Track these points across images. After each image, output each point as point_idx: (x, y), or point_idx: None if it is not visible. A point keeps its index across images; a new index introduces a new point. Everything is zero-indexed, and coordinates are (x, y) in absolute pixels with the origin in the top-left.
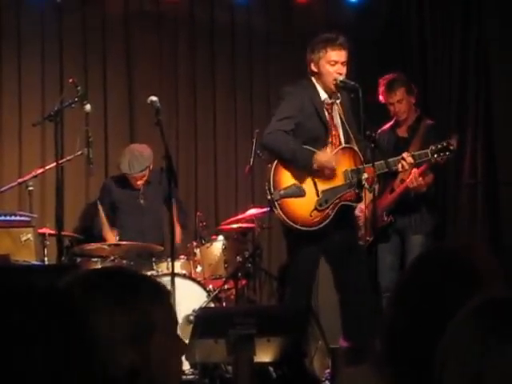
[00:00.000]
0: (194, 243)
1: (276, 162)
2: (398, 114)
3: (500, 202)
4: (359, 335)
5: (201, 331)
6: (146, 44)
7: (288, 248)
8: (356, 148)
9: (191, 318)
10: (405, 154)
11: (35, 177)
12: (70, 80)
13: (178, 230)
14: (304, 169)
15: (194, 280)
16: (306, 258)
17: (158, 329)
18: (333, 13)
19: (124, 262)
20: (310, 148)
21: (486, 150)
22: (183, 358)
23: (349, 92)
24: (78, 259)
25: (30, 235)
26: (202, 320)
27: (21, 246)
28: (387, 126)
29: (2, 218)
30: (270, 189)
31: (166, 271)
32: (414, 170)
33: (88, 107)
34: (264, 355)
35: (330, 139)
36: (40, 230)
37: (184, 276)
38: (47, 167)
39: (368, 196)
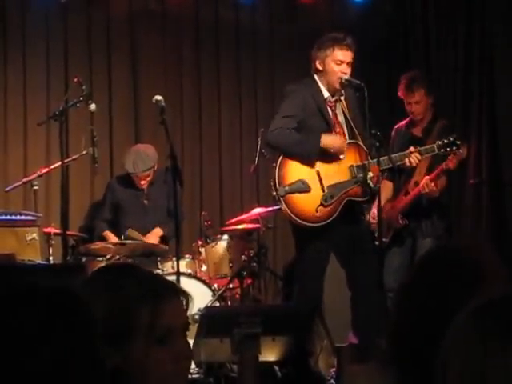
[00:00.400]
0: (199, 242)
1: (281, 158)
2: (415, 114)
3: (505, 202)
4: (366, 333)
5: (206, 330)
6: (150, 43)
7: (296, 245)
8: (361, 143)
9: (196, 317)
10: (412, 149)
11: (40, 176)
12: (75, 79)
13: (157, 230)
14: (312, 156)
15: (199, 279)
16: (315, 255)
17: (139, 333)
18: (337, 12)
19: (129, 261)
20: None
21: (491, 151)
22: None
23: (354, 90)
24: (83, 259)
25: (35, 234)
26: (207, 319)
27: (26, 246)
28: (402, 123)
29: (8, 217)
30: (275, 185)
31: (171, 270)
32: (426, 176)
33: (93, 106)
34: (269, 354)
35: None
36: (45, 230)
37: (189, 275)
38: (52, 166)
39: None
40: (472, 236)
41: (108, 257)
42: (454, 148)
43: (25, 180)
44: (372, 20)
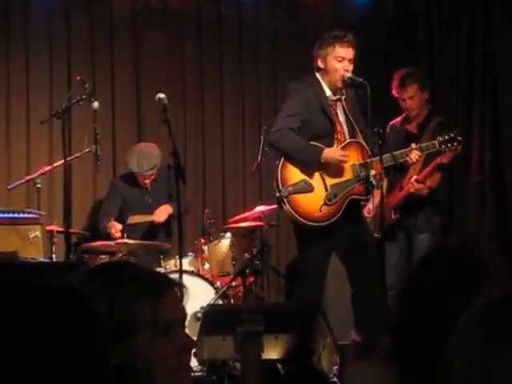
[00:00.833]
0: (202, 240)
1: (283, 158)
2: (409, 110)
3: (507, 201)
4: (368, 331)
5: (209, 328)
6: (153, 41)
7: (298, 244)
8: (362, 142)
9: (199, 314)
10: (413, 145)
11: (43, 174)
12: (78, 77)
13: (166, 206)
14: (312, 165)
15: (201, 277)
16: (317, 254)
17: (144, 326)
18: (339, 10)
19: (132, 258)
20: (318, 144)
21: (493, 148)
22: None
23: (356, 89)
24: (86, 256)
25: (37, 232)
26: (210, 317)
27: (29, 244)
28: (398, 119)
29: (10, 215)
30: (278, 186)
31: (173, 268)
32: (413, 177)
33: (96, 104)
34: (272, 352)
35: (336, 135)
36: (48, 228)
37: (192, 273)
38: (55, 164)
39: (376, 195)
40: (474, 234)
41: (111, 254)
42: (455, 144)
43: (27, 178)
44: (374, 19)
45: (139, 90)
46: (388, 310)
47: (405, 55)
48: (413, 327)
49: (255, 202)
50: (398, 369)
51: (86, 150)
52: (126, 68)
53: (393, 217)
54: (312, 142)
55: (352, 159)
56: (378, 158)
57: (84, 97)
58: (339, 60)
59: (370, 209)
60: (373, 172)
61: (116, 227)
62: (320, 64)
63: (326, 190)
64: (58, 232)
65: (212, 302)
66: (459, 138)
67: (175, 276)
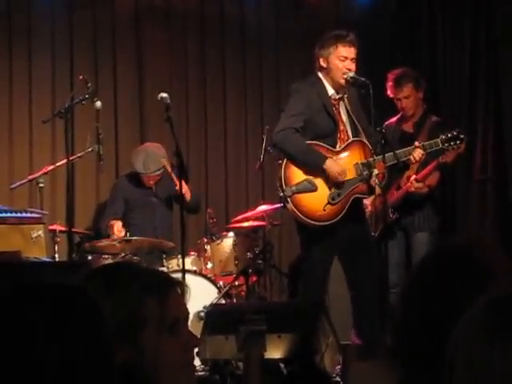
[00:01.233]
0: (205, 240)
1: (286, 158)
2: (405, 109)
3: (510, 200)
4: (370, 332)
5: (211, 327)
6: (156, 40)
7: (302, 244)
8: (365, 141)
9: (202, 314)
10: (416, 144)
11: (46, 173)
12: (81, 77)
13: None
14: (313, 169)
15: (204, 276)
16: (320, 254)
17: (151, 323)
18: (342, 10)
19: (135, 258)
20: (322, 148)
21: (496, 148)
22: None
23: (358, 88)
24: (89, 256)
25: (40, 232)
26: (213, 316)
27: (31, 243)
28: (393, 119)
29: (13, 214)
30: (281, 186)
31: (176, 268)
32: (413, 176)
33: (98, 104)
34: (275, 351)
35: (339, 134)
36: (51, 227)
37: (195, 272)
38: (58, 164)
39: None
40: (477, 233)
41: (113, 254)
42: (458, 142)
43: (30, 177)
44: (377, 18)
45: (142, 89)
46: (390, 309)
47: (407, 55)
48: (415, 327)
49: (258, 201)
50: (401, 368)
51: (89, 150)
52: (128, 67)
53: (391, 216)
54: (315, 142)
55: (355, 158)
56: (380, 156)
57: (87, 96)
58: (341, 59)
59: (366, 204)
60: (375, 171)
61: (116, 227)
62: (322, 63)
63: (330, 189)
64: (60, 231)
65: (215, 302)
66: (462, 136)
67: (178, 275)
